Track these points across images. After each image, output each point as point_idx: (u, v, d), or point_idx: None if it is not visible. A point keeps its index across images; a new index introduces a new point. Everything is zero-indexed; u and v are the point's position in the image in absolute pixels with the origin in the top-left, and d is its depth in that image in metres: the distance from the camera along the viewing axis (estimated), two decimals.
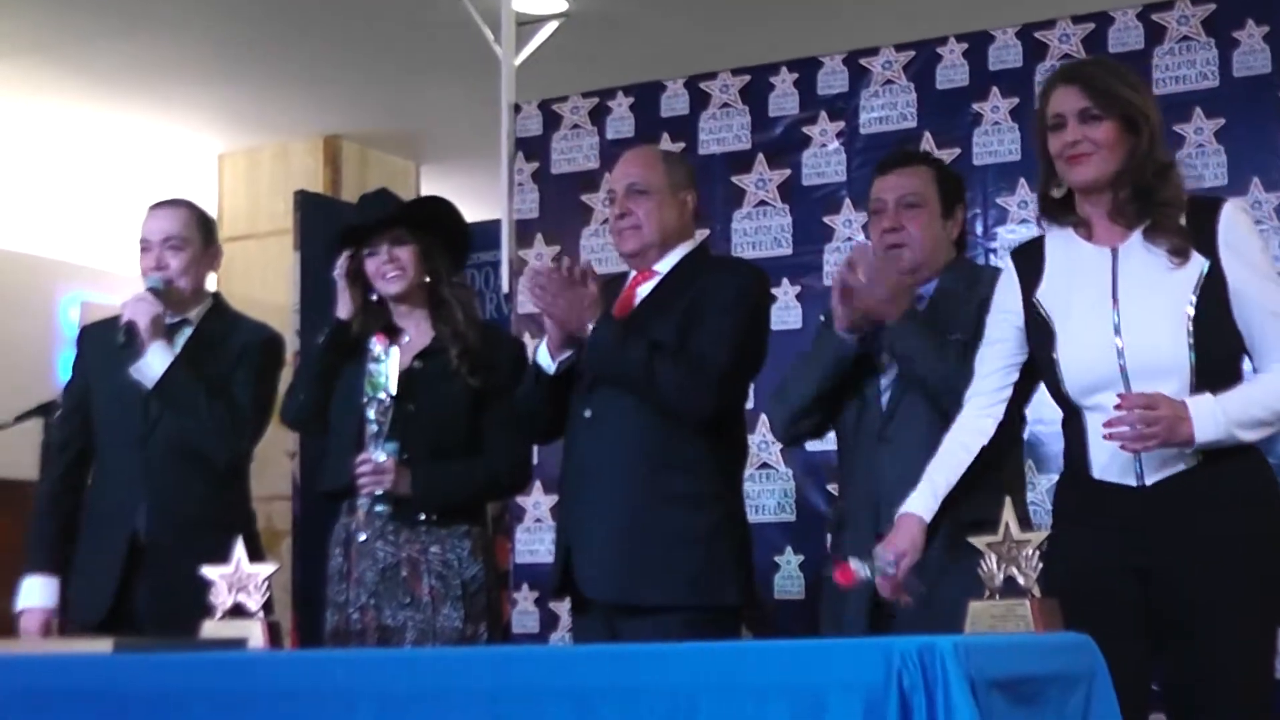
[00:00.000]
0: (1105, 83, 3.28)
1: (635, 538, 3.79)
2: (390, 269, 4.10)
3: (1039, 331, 3.35)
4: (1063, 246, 3.34)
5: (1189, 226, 3.24)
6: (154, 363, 4.19)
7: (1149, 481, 3.22)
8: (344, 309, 4.15)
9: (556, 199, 5.86)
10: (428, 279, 4.13)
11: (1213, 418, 3.13)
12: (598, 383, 3.89)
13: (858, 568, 2.68)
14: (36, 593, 4.26)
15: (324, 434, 4.20)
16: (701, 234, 4.65)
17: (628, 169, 4.06)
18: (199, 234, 4.40)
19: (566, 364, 3.90)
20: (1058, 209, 3.37)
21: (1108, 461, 3.26)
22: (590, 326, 3.81)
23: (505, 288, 5.94)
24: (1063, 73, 3.39)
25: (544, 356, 3.94)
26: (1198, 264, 3.21)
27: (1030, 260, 3.40)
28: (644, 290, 3.99)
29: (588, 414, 3.91)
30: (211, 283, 4.49)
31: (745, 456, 4.17)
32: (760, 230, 5.49)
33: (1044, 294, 3.35)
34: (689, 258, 4.02)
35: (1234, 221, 3.24)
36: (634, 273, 4.05)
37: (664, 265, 4.00)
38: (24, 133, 7.97)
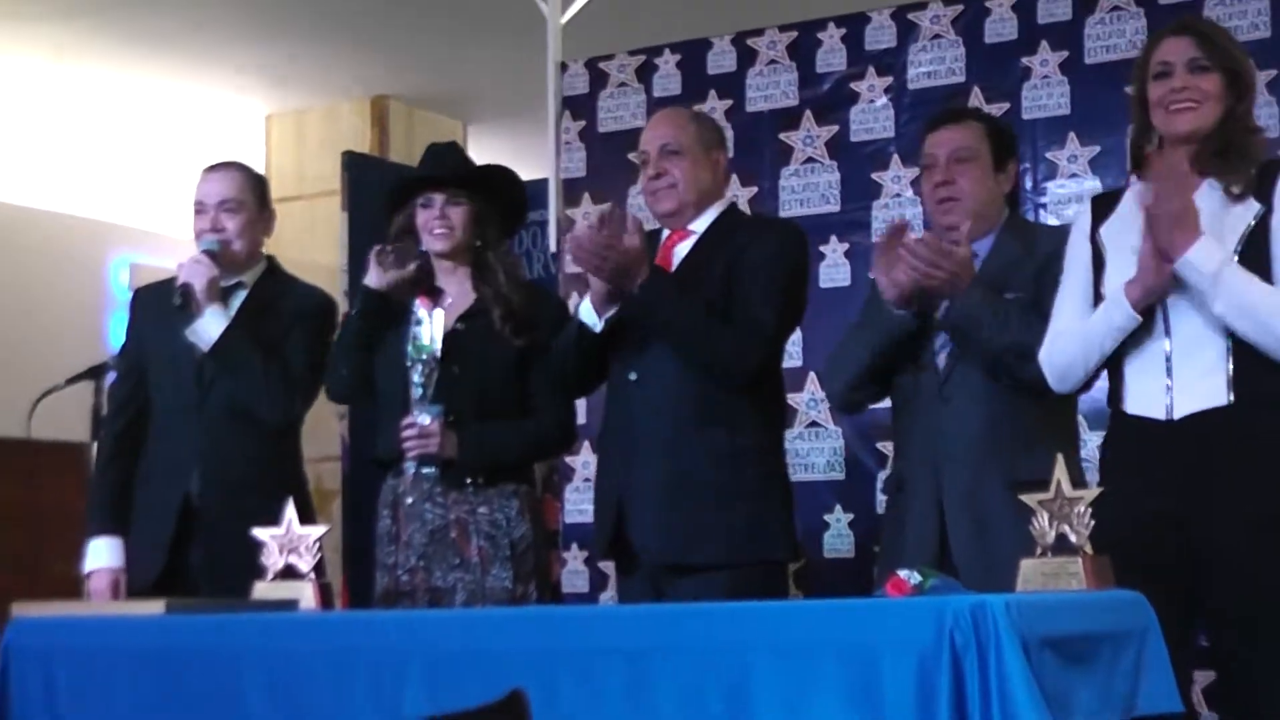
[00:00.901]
0: (1215, 37, 3.37)
1: (686, 497, 3.80)
2: (439, 225, 4.09)
3: (1095, 265, 3.41)
4: (1138, 193, 3.37)
5: (1256, 178, 3.28)
6: (210, 326, 4.20)
7: (1177, 416, 3.24)
8: (374, 278, 4.12)
9: (603, 157, 5.83)
10: (477, 243, 4.12)
11: (1210, 250, 3.17)
12: (645, 342, 3.88)
13: (907, 576, 2.68)
14: (103, 554, 4.26)
15: (372, 404, 4.20)
16: (737, 194, 4.61)
17: (659, 130, 4.05)
18: (254, 196, 4.41)
19: (613, 320, 3.89)
20: (1144, 161, 3.41)
21: (1139, 395, 3.31)
22: (640, 281, 3.79)
23: (553, 246, 5.93)
24: (1175, 25, 3.45)
25: (588, 314, 3.91)
26: (1251, 209, 3.26)
27: (1106, 203, 3.47)
28: (681, 250, 3.98)
29: (633, 376, 3.90)
30: (265, 246, 4.50)
31: (785, 411, 4.17)
32: (808, 187, 5.46)
33: (1106, 230, 3.41)
34: (723, 217, 4.01)
35: None
36: (668, 232, 4.03)
37: (699, 225, 3.99)
38: (73, 96, 7.99)
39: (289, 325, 4.31)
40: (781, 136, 5.48)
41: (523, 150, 7.42)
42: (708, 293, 3.85)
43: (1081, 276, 3.46)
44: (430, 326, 3.99)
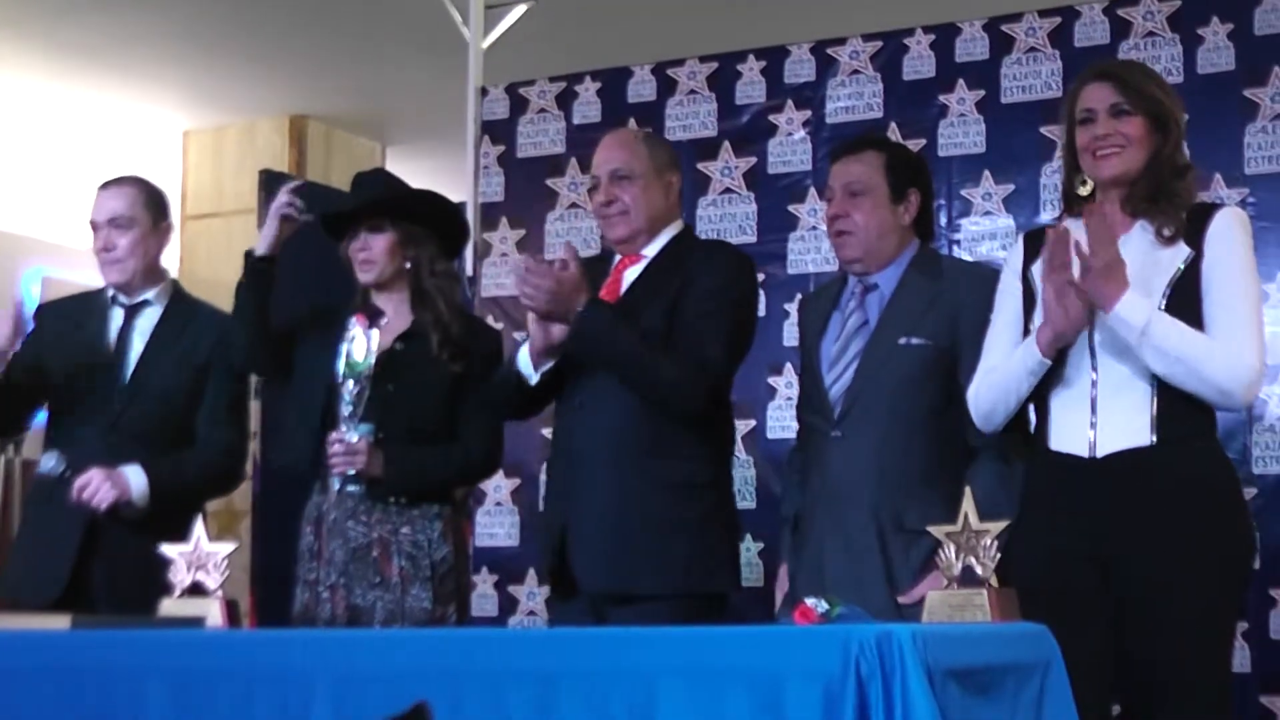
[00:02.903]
0: (1136, 81, 3.41)
1: (627, 526, 3.77)
2: (362, 257, 4.08)
3: (1026, 303, 3.45)
4: (1066, 228, 3.39)
5: (1186, 222, 3.33)
6: (135, 479, 4.17)
7: (1100, 454, 3.28)
8: (263, 244, 4.08)
9: (522, 183, 5.84)
10: (406, 266, 4.10)
11: (1137, 304, 3.21)
12: (588, 369, 3.85)
13: (815, 604, 2.69)
14: None
15: (285, 379, 4.17)
16: None
17: (610, 154, 3.99)
18: (147, 212, 4.37)
19: (548, 374, 3.87)
20: (1076, 203, 3.46)
21: (1063, 431, 3.34)
22: (578, 310, 3.75)
23: (470, 270, 5.92)
24: (1096, 70, 3.49)
25: (525, 364, 3.89)
26: (1182, 253, 3.31)
27: (1038, 241, 3.47)
28: (631, 274, 3.95)
29: (578, 401, 3.88)
30: (168, 259, 4.47)
31: (733, 443, 4.15)
32: (725, 218, 5.49)
33: (1038, 268, 3.42)
34: (675, 241, 3.98)
35: (1229, 221, 3.34)
36: (619, 257, 4.01)
37: (651, 249, 3.96)
38: None
39: (207, 360, 4.29)
40: (700, 166, 5.50)
41: (441, 173, 7.40)
42: (652, 320, 3.82)
43: (1011, 315, 3.49)
44: (365, 344, 3.96)
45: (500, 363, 4.10)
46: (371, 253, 4.07)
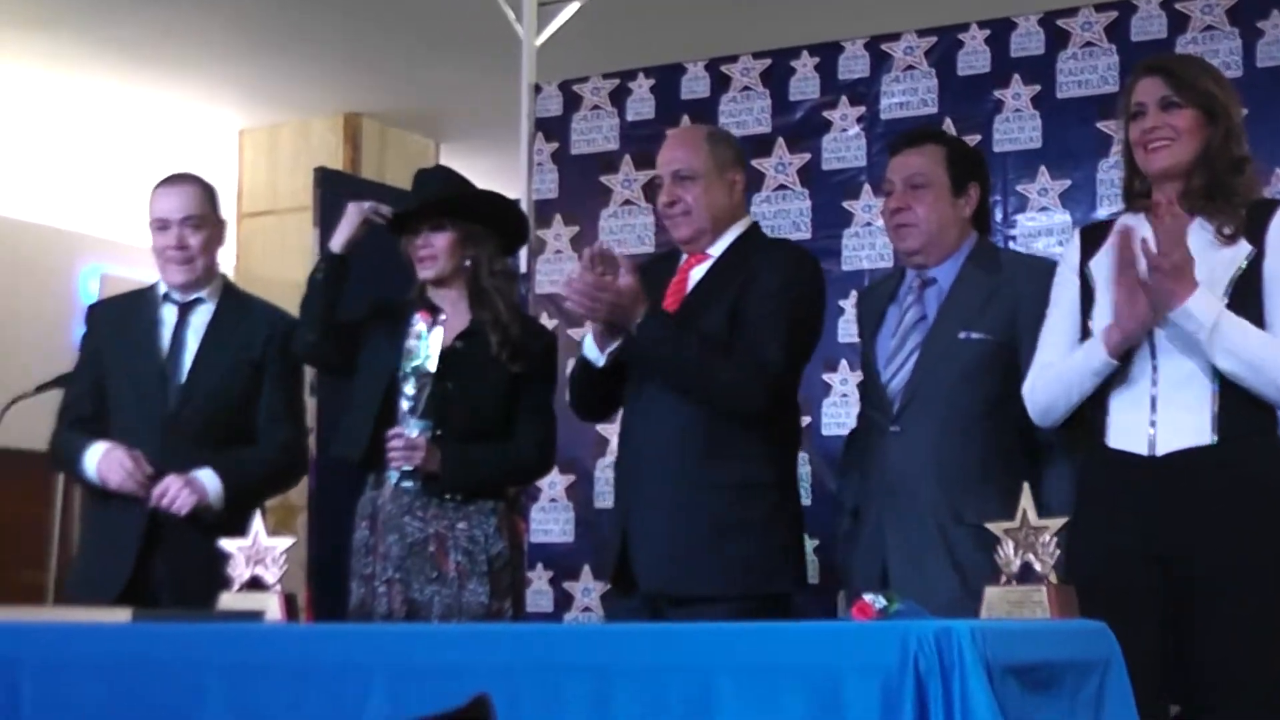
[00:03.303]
0: (1186, 73, 3.40)
1: (687, 527, 3.79)
2: (424, 254, 4.12)
3: (1084, 298, 3.43)
4: (1129, 226, 3.37)
5: (1247, 218, 3.30)
6: (209, 482, 4.21)
7: (1159, 452, 3.27)
8: (338, 242, 4.13)
9: (576, 180, 5.84)
10: (466, 264, 4.13)
11: (1207, 303, 3.19)
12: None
13: (873, 600, 2.69)
14: (100, 449, 4.20)
15: (348, 374, 4.20)
16: None
17: (672, 154, 4.01)
18: (212, 210, 4.41)
19: (614, 355, 3.89)
20: (1136, 198, 3.45)
21: (1122, 429, 3.32)
22: (637, 321, 3.78)
23: (524, 268, 5.92)
24: (1147, 64, 3.49)
25: (590, 349, 3.92)
26: (1242, 251, 3.28)
27: (1095, 235, 3.48)
28: (697, 273, 3.97)
29: (641, 401, 3.91)
30: (222, 257, 4.50)
31: (799, 442, 4.15)
32: (779, 214, 5.47)
33: (1096, 263, 3.42)
34: (742, 240, 3.99)
35: None
36: (686, 255, 4.03)
37: (717, 248, 3.98)
38: (45, 105, 7.97)
39: (262, 356, 4.31)
40: (754, 163, 5.47)
41: (495, 170, 7.41)
42: (714, 321, 3.84)
43: (1068, 310, 3.47)
44: (428, 342, 3.97)
45: (554, 363, 4.18)
46: (433, 249, 4.11)
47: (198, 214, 4.34)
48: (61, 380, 4.55)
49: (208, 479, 4.18)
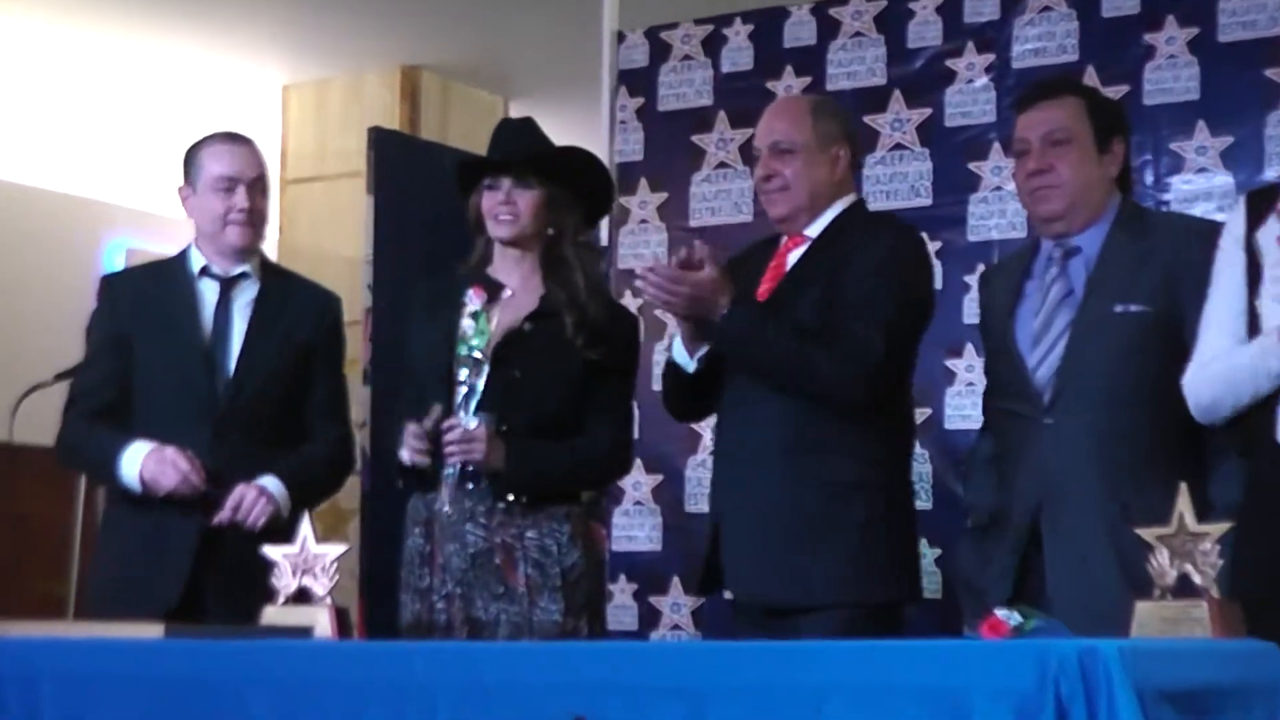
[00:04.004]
0: None
1: (783, 531, 3.85)
2: (504, 210, 4.10)
3: (1250, 275, 3.40)
4: None
5: None
6: (273, 487, 4.27)
7: None
8: (409, 451, 4.02)
9: (664, 139, 5.85)
10: (549, 231, 4.13)
11: None
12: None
13: (1006, 617, 2.68)
14: (141, 450, 4.21)
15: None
16: None
17: (772, 124, 4.09)
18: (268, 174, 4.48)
19: (705, 359, 3.96)
20: None
21: None
22: (722, 312, 3.84)
23: (605, 239, 5.93)
24: None
25: (680, 353, 4.01)
26: None
27: (1263, 202, 3.45)
28: (794, 257, 4.04)
29: (734, 398, 3.97)
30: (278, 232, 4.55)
31: (911, 437, 4.18)
32: (895, 178, 5.47)
33: (1264, 235, 3.39)
34: (843, 218, 4.04)
35: None
36: (785, 237, 4.09)
37: (815, 228, 4.04)
38: (66, 62, 8.04)
39: (312, 341, 4.37)
40: (867, 120, 5.47)
41: (572, 130, 7.36)
42: (808, 308, 3.90)
43: (1232, 290, 3.44)
44: (484, 322, 3.96)
45: (635, 352, 4.22)
46: (517, 207, 4.10)
47: (264, 177, 4.44)
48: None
49: (274, 488, 4.23)
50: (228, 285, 4.38)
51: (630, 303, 5.28)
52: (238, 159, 4.38)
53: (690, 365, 3.98)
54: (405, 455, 3.99)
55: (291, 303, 4.39)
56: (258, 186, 4.38)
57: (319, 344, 4.38)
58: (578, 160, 4.24)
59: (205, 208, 4.36)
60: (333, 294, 4.51)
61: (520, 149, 4.17)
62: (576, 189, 4.17)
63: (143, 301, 4.41)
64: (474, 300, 3.99)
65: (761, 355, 3.89)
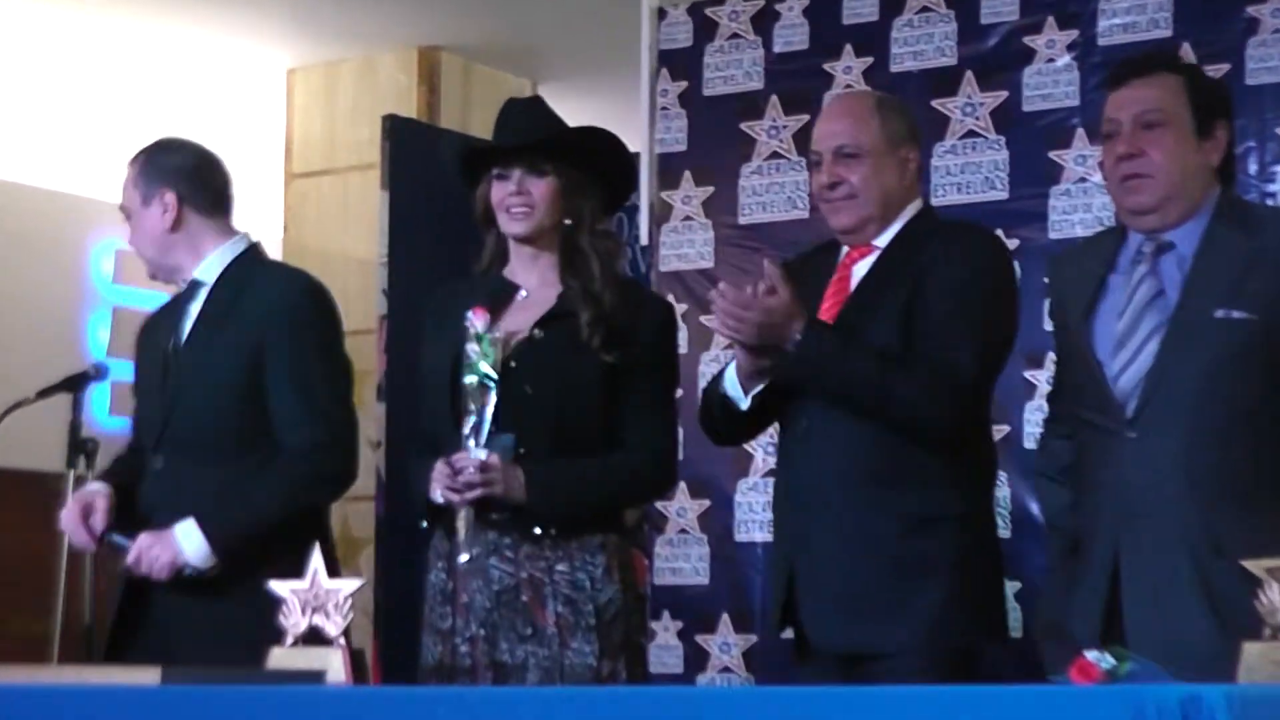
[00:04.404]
0: None
1: (862, 571, 3.87)
2: (518, 203, 4.07)
3: None
4: None
5: None
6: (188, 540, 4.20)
7: None
8: (442, 490, 3.98)
9: (710, 127, 5.88)
10: (567, 222, 4.11)
11: None
12: None
13: (1097, 659, 2.67)
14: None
15: None
16: None
17: (834, 125, 4.08)
18: None
19: (760, 396, 3.95)
20: None
21: None
22: (795, 338, 3.84)
23: (645, 238, 5.93)
24: None
25: (732, 385, 3.99)
26: None
27: None
28: (860, 270, 4.03)
29: (804, 424, 3.97)
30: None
31: (994, 459, 4.18)
32: (968, 168, 5.48)
33: None
34: (912, 226, 4.04)
35: None
36: (847, 248, 4.07)
37: (884, 238, 4.03)
38: (47, 48, 8.05)
39: (260, 332, 4.26)
40: (935, 104, 5.49)
41: (607, 117, 7.33)
42: (884, 327, 3.91)
43: None
44: (488, 345, 3.94)
45: (670, 345, 4.22)
46: (531, 198, 4.07)
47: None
48: (70, 383, 4.61)
49: (184, 534, 4.16)
50: (184, 298, 4.38)
51: (677, 307, 5.26)
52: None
53: (744, 403, 3.98)
54: (438, 494, 3.96)
55: (241, 302, 4.30)
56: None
57: (270, 338, 4.25)
58: (597, 141, 4.21)
59: None
60: (295, 275, 4.44)
61: (532, 132, 4.14)
62: (593, 173, 4.15)
63: (149, 325, 4.50)
64: (475, 323, 3.97)
65: (839, 385, 3.89)
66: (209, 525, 4.17)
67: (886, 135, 4.03)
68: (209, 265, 4.35)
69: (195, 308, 4.32)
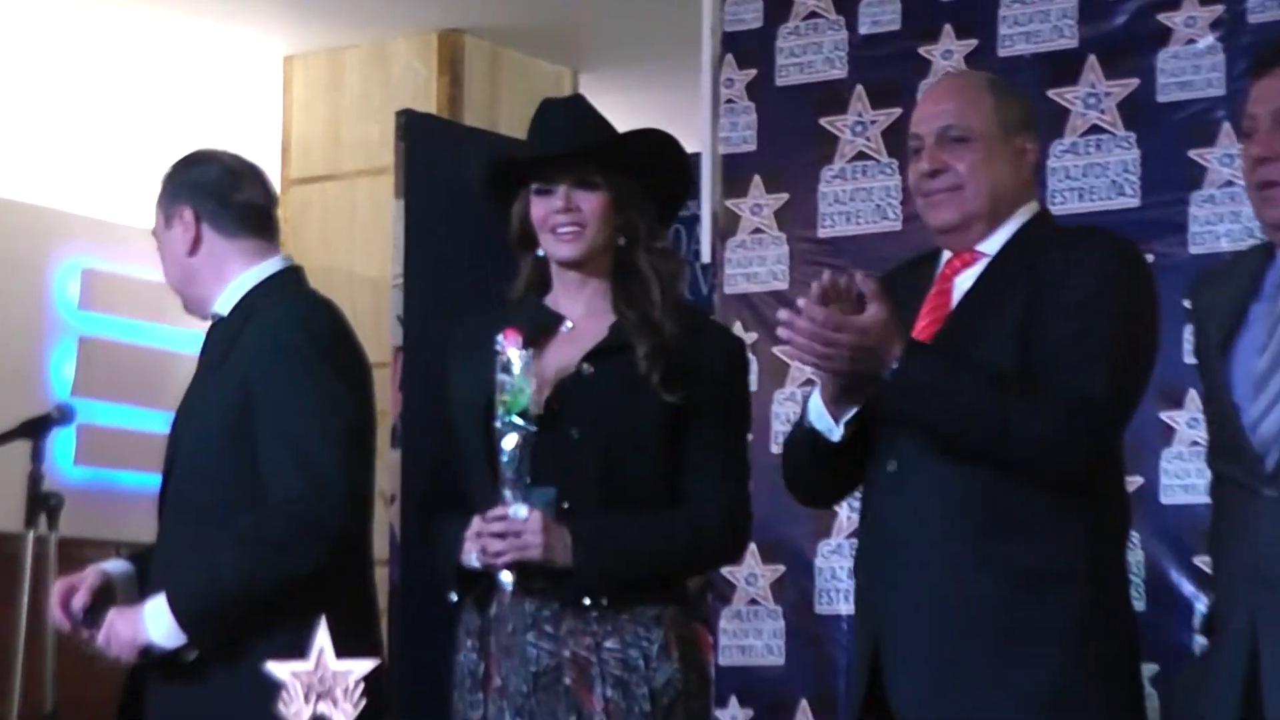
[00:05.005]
0: None
1: (961, 637, 3.81)
2: (565, 222, 4.07)
3: None
4: None
5: None
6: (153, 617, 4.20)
7: None
8: (477, 552, 3.99)
9: (784, 123, 5.90)
10: (621, 242, 4.10)
11: None
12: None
13: None
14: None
15: None
16: None
17: (938, 105, 4.04)
18: None
19: (854, 423, 3.89)
20: None
21: None
22: (893, 364, 3.77)
23: (707, 254, 5.92)
24: None
25: (819, 416, 3.92)
26: None
27: None
28: (964, 281, 3.97)
29: (892, 466, 3.91)
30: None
31: (1126, 510, 4.11)
32: (1091, 170, 5.50)
33: None
34: (1026, 231, 3.99)
35: None
36: (948, 254, 4.03)
37: (992, 244, 3.98)
38: (8, 47, 8.09)
39: (246, 372, 4.22)
40: (1052, 94, 5.52)
41: (660, 112, 7.35)
42: (996, 349, 3.84)
43: None
44: (523, 375, 3.91)
45: (744, 375, 4.25)
46: (581, 215, 4.07)
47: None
48: (29, 427, 4.61)
49: (150, 611, 4.16)
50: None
51: (745, 336, 5.28)
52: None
53: (836, 432, 3.90)
54: (473, 558, 3.96)
55: (240, 341, 4.30)
56: None
57: (255, 378, 4.21)
58: (652, 144, 4.22)
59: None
60: (297, 302, 4.37)
61: (578, 136, 4.14)
62: (646, 181, 4.15)
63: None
64: (506, 347, 3.93)
65: (947, 417, 3.83)
66: (174, 599, 4.15)
67: (1000, 119, 3.99)
68: (228, 296, 4.35)
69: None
